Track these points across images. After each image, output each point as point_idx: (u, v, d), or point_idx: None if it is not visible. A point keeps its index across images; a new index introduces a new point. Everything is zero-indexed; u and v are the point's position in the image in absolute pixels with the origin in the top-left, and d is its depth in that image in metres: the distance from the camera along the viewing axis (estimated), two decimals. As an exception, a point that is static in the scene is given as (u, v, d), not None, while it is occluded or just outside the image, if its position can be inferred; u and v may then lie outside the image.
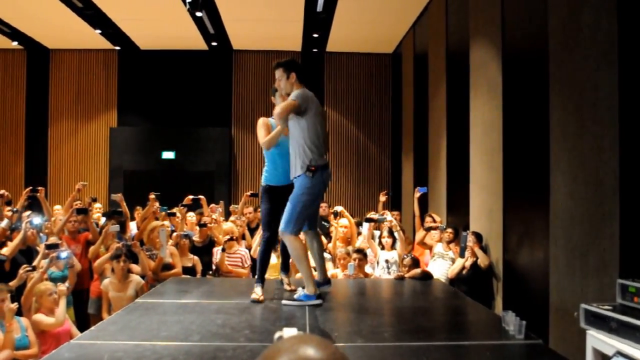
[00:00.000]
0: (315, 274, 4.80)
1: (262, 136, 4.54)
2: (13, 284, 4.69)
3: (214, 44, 11.30)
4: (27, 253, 5.59)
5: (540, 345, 3.40)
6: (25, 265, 4.90)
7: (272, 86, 4.76)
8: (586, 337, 3.13)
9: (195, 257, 6.39)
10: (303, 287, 4.46)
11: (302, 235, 4.61)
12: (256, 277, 4.68)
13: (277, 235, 4.63)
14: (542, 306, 4.70)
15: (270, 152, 4.66)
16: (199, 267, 6.36)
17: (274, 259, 6.05)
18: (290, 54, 11.08)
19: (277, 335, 1.78)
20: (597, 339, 3.02)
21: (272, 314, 4.08)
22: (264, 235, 4.76)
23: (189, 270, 6.19)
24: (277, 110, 4.30)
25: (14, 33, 10.58)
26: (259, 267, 4.71)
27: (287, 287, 4.82)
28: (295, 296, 4.40)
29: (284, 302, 4.36)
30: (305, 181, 4.26)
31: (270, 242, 4.79)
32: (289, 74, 4.42)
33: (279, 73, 4.46)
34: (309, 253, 4.69)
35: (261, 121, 4.66)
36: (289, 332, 2.06)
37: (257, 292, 4.48)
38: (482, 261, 5.74)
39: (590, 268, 4.11)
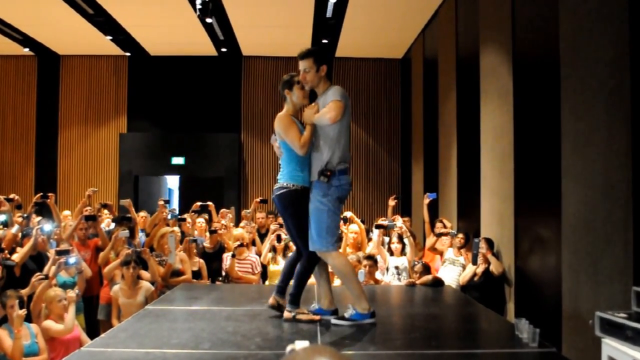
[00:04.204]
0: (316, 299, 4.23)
1: (296, 138, 3.82)
2: (25, 291, 4.66)
3: (224, 50, 11.32)
4: (37, 259, 5.61)
5: (554, 354, 3.35)
6: (38, 274, 4.90)
7: (283, 79, 4.07)
8: (601, 346, 3.09)
9: (201, 261, 6.39)
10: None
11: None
12: (291, 295, 4.01)
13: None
14: (555, 313, 4.65)
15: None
16: (205, 271, 6.36)
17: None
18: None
19: (289, 348, 1.77)
20: (612, 347, 2.98)
21: (283, 321, 4.03)
22: (306, 253, 3.96)
23: (195, 274, 6.20)
24: (331, 114, 3.69)
25: (25, 39, 10.67)
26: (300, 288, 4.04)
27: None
28: (347, 315, 3.91)
29: (333, 321, 3.90)
30: (322, 189, 3.80)
31: (315, 263, 4.04)
32: (319, 66, 3.83)
33: (307, 63, 3.83)
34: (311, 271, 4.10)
35: (286, 119, 3.93)
36: (300, 344, 2.04)
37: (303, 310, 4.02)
38: (496, 268, 5.69)
39: (603, 275, 4.06)
